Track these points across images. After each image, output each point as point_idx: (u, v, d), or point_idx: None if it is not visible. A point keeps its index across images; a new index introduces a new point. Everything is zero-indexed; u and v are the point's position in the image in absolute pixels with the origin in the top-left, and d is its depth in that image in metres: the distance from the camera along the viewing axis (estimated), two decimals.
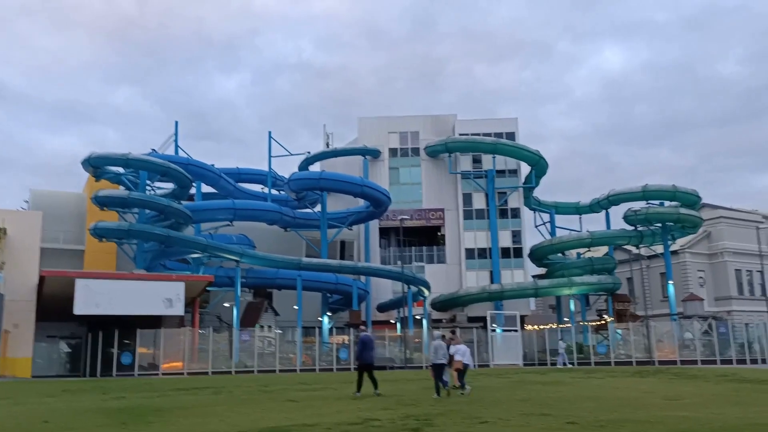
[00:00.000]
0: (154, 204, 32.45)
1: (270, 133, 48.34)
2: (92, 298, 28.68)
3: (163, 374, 29.77)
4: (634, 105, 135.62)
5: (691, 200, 44.02)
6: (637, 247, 46.15)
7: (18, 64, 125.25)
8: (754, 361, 34.46)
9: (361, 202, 45.27)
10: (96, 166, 33.89)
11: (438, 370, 15.19)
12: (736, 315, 49.27)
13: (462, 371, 16.01)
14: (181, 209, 33.70)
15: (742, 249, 52.16)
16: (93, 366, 30.20)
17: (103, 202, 32.68)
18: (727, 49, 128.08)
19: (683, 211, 43.12)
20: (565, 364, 33.76)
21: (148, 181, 39.02)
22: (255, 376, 27.93)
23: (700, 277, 52.99)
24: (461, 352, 16.13)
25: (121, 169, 35.68)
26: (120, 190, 33.60)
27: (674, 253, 50.96)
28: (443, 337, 16.55)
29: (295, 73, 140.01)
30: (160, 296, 29.82)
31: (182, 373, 29.96)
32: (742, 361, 34.17)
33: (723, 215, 54.08)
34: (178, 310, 29.96)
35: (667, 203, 44.62)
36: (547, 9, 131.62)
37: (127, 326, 30.38)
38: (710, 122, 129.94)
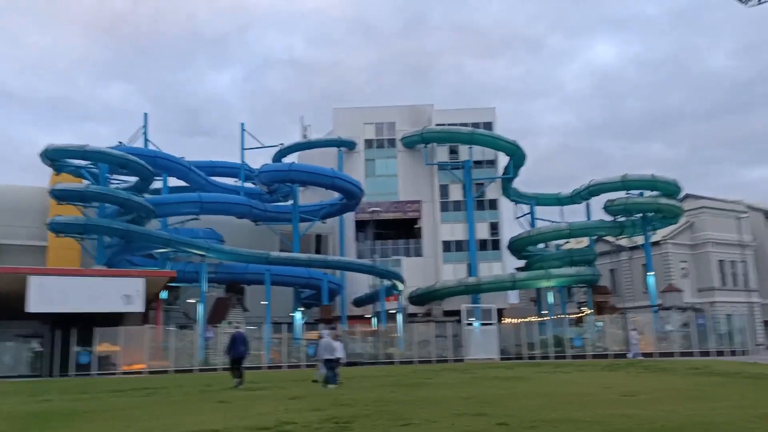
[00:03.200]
0: (112, 197, 31.23)
1: (243, 125, 47.27)
2: (47, 296, 27.49)
3: (123, 373, 28.68)
4: (626, 99, 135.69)
5: (671, 190, 43.28)
6: (617, 238, 45.42)
7: (8, 61, 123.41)
8: (733, 353, 33.83)
9: (335, 195, 44.22)
10: (53, 158, 32.63)
11: (328, 365, 16.85)
12: (719, 306, 48.68)
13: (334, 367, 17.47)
14: (143, 203, 32.50)
15: (725, 239, 51.58)
16: (52, 366, 29.11)
17: (60, 196, 31.47)
18: (717, 43, 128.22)
19: (663, 200, 42.39)
20: (635, 355, 31.43)
21: (114, 175, 37.94)
22: (210, 375, 26.89)
23: (683, 268, 52.39)
24: (338, 349, 17.61)
25: (81, 162, 34.44)
26: (77, 183, 32.36)
27: (656, 244, 50.33)
28: (332, 334, 18.35)
29: (286, 68, 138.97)
30: (119, 292, 28.65)
31: (142, 372, 28.89)
32: (721, 353, 33.53)
33: (706, 205, 53.42)
34: (138, 306, 28.84)
35: (647, 193, 43.89)
36: (538, 4, 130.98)
37: (88, 324, 29.27)
38: (700, 115, 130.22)
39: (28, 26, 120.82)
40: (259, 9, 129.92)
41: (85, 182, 34.94)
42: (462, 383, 17.71)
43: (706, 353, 33.05)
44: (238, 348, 17.71)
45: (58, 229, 31.60)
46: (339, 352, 17.24)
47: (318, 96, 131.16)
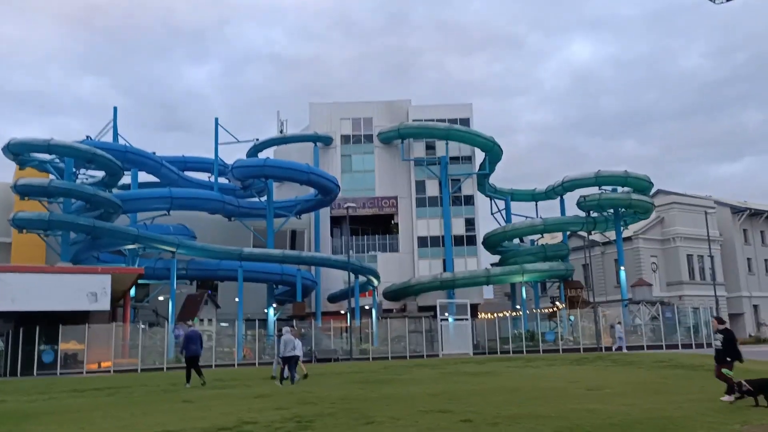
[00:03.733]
0: (78, 192, 30.38)
1: (216, 120, 46.26)
2: (7, 293, 26.65)
3: (88, 372, 28.04)
4: (601, 98, 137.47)
5: (643, 186, 43.91)
6: (589, 234, 45.93)
7: None
8: (699, 346, 34.42)
9: (311, 191, 43.81)
10: (16, 152, 31.62)
11: (287, 362, 16.97)
12: (687, 300, 49.65)
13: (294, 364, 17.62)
14: (110, 198, 31.71)
15: (693, 234, 52.54)
16: (15, 365, 28.26)
17: (23, 191, 30.52)
18: (690, 44, 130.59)
19: (635, 196, 42.98)
20: (621, 348, 32.14)
21: (82, 170, 36.98)
22: (179, 373, 26.38)
23: (653, 263, 53.28)
24: (297, 346, 17.63)
25: (47, 156, 33.47)
26: (40, 178, 31.45)
27: (628, 239, 51.07)
28: (291, 331, 18.08)
29: (266, 63, 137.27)
30: (84, 290, 27.91)
31: (109, 371, 28.28)
32: (687, 346, 34.13)
33: (675, 201, 54.38)
34: (104, 304, 28.17)
35: (620, 189, 44.46)
36: (518, 2, 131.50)
37: (54, 322, 28.51)
38: (672, 114, 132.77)
39: None
40: (238, 2, 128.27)
41: (52, 177, 33.99)
42: (431, 379, 17.65)
43: (674, 346, 33.63)
44: (191, 347, 17.87)
45: (21, 225, 30.68)
46: (298, 349, 17.30)
47: (298, 91, 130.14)
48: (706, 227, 42.82)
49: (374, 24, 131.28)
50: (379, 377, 18.79)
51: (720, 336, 11.24)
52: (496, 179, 50.59)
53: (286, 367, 16.98)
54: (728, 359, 10.92)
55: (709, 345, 35.39)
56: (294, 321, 35.62)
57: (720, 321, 11.74)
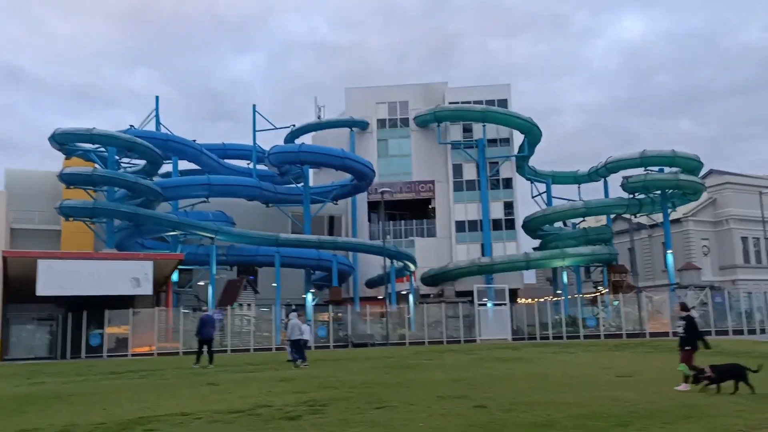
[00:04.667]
0: (119, 180, 31.31)
1: (254, 106, 46.79)
2: (55, 279, 27.80)
3: (133, 355, 29.06)
4: (654, 76, 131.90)
5: (692, 166, 41.84)
6: (635, 216, 44.23)
7: (34, 50, 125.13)
8: (752, 332, 32.81)
9: (348, 176, 43.81)
10: (61, 142, 32.81)
11: (295, 345, 18.22)
12: (742, 284, 47.27)
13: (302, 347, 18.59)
14: (150, 185, 32.56)
15: (748, 216, 49.92)
16: (65, 348, 29.56)
17: (68, 180, 31.69)
18: (749, 18, 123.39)
19: (682, 177, 41.00)
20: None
21: (128, 159, 38.10)
22: (216, 356, 26.99)
23: (704, 246, 50.98)
24: (305, 330, 18.73)
25: (90, 146, 34.59)
26: (84, 167, 32.54)
27: (677, 221, 48.99)
28: (298, 316, 19.14)
29: (308, 51, 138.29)
30: (128, 275, 28.84)
31: (152, 354, 29.22)
32: (739, 332, 32.56)
33: (729, 181, 51.70)
34: (147, 289, 29.03)
35: (667, 169, 42.52)
36: None
37: (100, 307, 29.62)
38: (732, 91, 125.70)
39: (52, 15, 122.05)
40: None
41: (97, 167, 35.13)
42: (460, 365, 17.39)
43: (724, 332, 32.12)
44: (204, 330, 18.85)
45: (68, 213, 31.89)
46: (306, 334, 18.43)
47: (340, 79, 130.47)
48: (760, 208, 40.50)
49: (415, 8, 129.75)
50: (408, 362, 18.66)
51: (682, 323, 11.11)
52: (538, 162, 49.36)
53: (294, 350, 18.28)
54: (686, 348, 10.76)
55: (763, 331, 33.82)
56: (330, 306, 35.92)
57: (683, 307, 11.61)
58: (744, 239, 50.62)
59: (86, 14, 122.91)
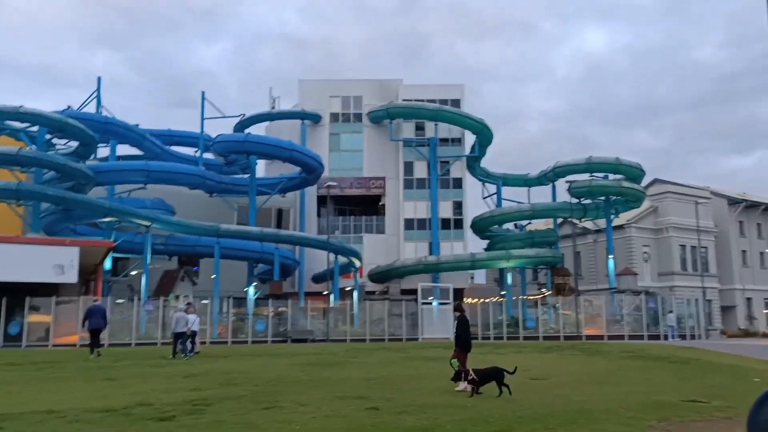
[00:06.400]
0: (48, 162, 29.63)
1: (203, 93, 45.35)
2: None
3: (54, 346, 27.60)
4: (614, 86, 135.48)
5: (635, 174, 42.74)
6: (581, 220, 44.96)
7: None
8: (682, 337, 33.70)
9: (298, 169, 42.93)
10: None
11: (177, 337, 18.51)
12: (679, 290, 48.71)
13: (190, 337, 18.79)
14: (81, 169, 30.97)
15: (686, 224, 51.49)
16: None
17: None
18: (706, 34, 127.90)
19: (625, 184, 41.87)
20: (673, 337, 32.28)
21: (63, 141, 36.25)
22: (141, 349, 25.93)
23: (645, 252, 52.32)
24: (191, 321, 18.73)
25: (19, 125, 32.73)
26: (9, 147, 30.68)
27: (620, 227, 50.09)
28: (188, 308, 19.35)
29: (278, 43, 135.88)
30: (51, 262, 27.33)
31: (75, 345, 27.81)
32: (665, 337, 33.33)
33: (670, 190, 53.20)
34: (71, 277, 27.55)
35: (611, 176, 43.33)
36: None
37: (21, 294, 28.02)
38: (686, 105, 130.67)
39: None
40: None
41: (32, 147, 33.28)
42: (383, 363, 17.01)
43: (655, 337, 32.89)
44: (93, 320, 18.82)
45: None
46: (195, 325, 18.47)
47: (309, 72, 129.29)
48: (696, 217, 41.75)
49: (386, 6, 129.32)
50: (332, 360, 18.15)
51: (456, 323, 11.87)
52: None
53: (178, 342, 18.44)
54: (458, 348, 11.32)
55: (694, 337, 34.86)
56: (270, 300, 35.10)
57: (457, 308, 12.45)
58: (682, 247, 52.19)
59: None
